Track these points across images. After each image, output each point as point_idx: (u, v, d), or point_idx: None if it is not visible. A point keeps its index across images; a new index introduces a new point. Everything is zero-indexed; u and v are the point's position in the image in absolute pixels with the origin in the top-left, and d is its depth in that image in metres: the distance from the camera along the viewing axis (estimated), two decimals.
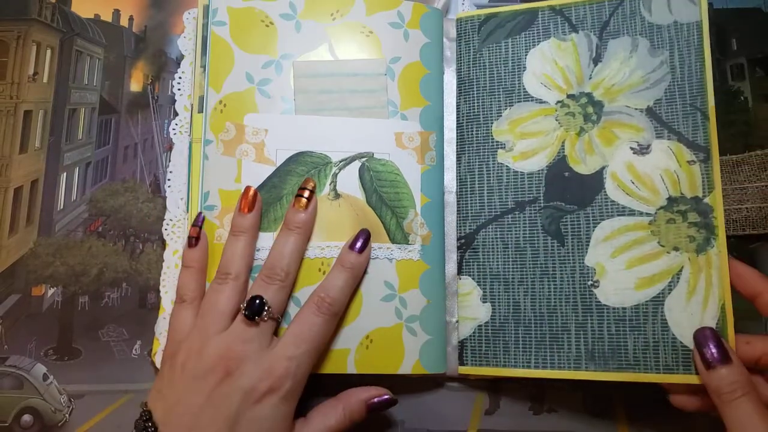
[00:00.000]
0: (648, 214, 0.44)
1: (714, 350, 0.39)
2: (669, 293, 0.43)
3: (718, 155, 0.43)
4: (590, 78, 0.47)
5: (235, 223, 0.44)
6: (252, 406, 0.38)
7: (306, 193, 0.44)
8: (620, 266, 0.44)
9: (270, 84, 0.47)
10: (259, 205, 0.44)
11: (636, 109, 0.46)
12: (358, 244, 0.44)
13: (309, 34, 0.48)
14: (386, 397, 0.43)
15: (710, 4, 0.54)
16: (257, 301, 0.40)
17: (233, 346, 0.39)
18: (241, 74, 0.47)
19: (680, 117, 0.45)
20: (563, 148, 0.47)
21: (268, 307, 0.40)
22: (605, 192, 0.45)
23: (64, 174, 0.52)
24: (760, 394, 0.39)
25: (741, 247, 0.50)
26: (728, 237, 0.49)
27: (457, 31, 0.51)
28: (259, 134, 0.47)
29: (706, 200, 0.43)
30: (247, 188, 0.44)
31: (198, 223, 0.45)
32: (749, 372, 0.39)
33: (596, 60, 0.47)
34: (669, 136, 0.45)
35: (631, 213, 0.44)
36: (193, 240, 0.44)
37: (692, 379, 0.41)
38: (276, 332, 0.42)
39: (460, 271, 0.48)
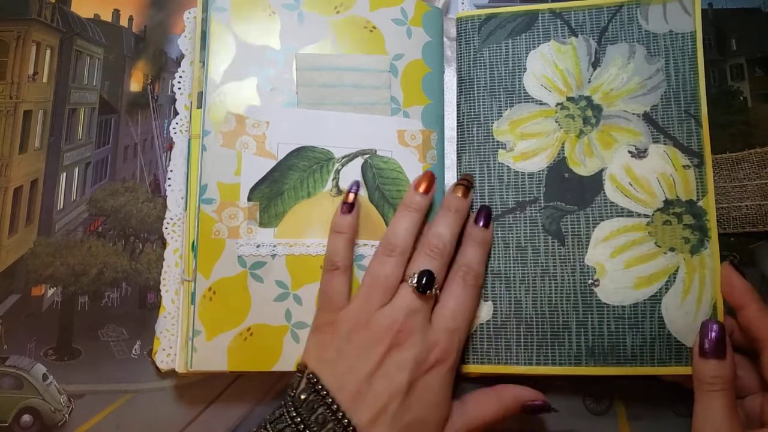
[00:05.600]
0: (645, 216, 0.45)
1: (713, 342, 0.41)
2: (666, 292, 0.44)
3: (711, 161, 0.45)
4: (589, 82, 0.48)
5: (410, 200, 0.44)
6: (423, 375, 0.40)
7: (465, 183, 0.45)
8: (619, 266, 0.45)
9: (271, 75, 0.47)
10: (434, 189, 0.45)
11: (633, 113, 0.47)
12: (482, 221, 0.45)
13: (312, 26, 0.48)
14: (542, 402, 0.43)
15: (710, 4, 0.54)
16: (426, 276, 0.41)
17: (400, 318, 0.40)
18: (242, 64, 0.47)
19: (675, 123, 0.46)
20: (563, 150, 0.47)
21: (435, 282, 0.41)
22: (604, 193, 0.46)
23: (64, 174, 0.52)
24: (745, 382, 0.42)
25: (741, 247, 0.50)
26: (728, 235, 0.49)
27: (458, 31, 0.51)
28: (260, 126, 0.46)
29: (700, 203, 0.45)
30: (429, 172, 0.46)
31: (353, 189, 0.44)
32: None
33: (595, 64, 0.48)
34: (665, 141, 0.46)
35: (630, 214, 0.46)
36: (347, 206, 0.44)
37: (681, 370, 0.43)
38: None
39: None
